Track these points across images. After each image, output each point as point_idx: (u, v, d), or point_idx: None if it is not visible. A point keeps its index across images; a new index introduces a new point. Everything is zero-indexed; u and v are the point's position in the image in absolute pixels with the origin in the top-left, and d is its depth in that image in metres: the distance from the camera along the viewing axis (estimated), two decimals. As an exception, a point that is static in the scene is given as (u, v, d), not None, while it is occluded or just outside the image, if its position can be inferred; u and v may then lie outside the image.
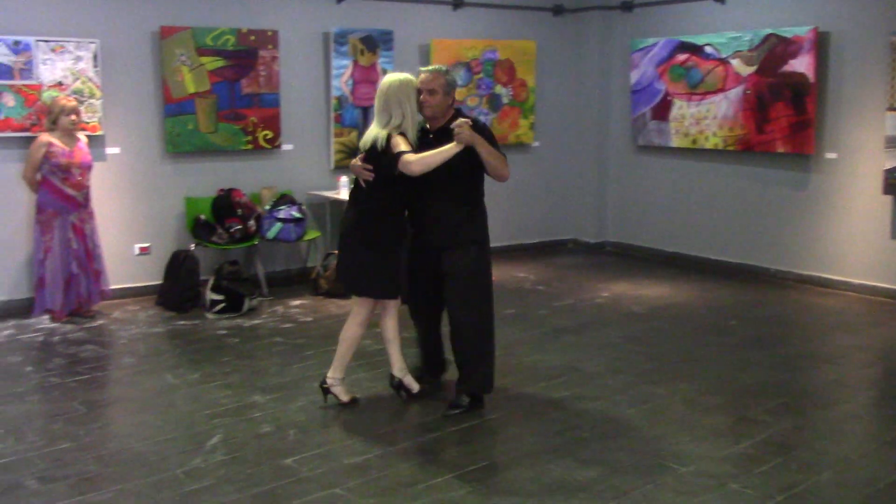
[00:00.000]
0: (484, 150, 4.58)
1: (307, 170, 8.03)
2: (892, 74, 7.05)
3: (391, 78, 4.68)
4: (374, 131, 4.64)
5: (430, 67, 4.81)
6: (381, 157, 4.59)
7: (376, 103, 4.67)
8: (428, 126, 4.77)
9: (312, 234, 7.75)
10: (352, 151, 8.12)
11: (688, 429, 4.58)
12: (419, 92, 4.67)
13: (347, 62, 8.03)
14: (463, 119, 4.61)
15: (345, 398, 4.87)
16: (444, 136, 4.62)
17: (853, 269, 7.59)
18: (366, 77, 8.14)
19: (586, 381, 5.34)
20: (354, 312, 4.89)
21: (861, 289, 7.52)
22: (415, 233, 4.83)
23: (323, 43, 8.01)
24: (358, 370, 5.47)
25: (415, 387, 4.97)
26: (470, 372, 4.81)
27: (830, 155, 7.64)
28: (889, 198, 7.23)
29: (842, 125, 7.54)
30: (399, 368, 4.97)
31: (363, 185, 4.72)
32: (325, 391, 4.89)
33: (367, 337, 6.18)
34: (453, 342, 4.84)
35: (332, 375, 4.88)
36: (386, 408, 4.88)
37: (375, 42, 8.17)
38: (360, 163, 4.69)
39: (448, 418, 4.70)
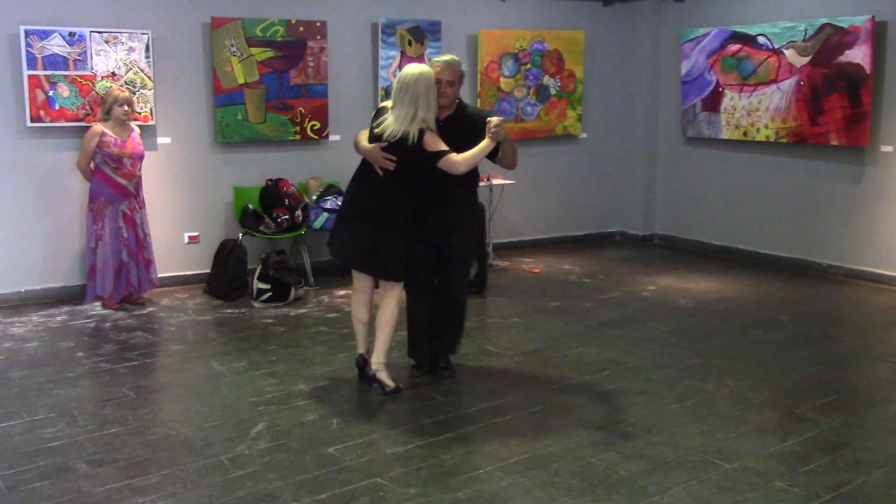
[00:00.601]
0: (508, 143, 4.88)
1: (354, 160, 7.99)
2: (953, 65, 6.86)
3: (415, 70, 4.70)
4: (402, 124, 4.65)
5: (445, 58, 4.92)
6: (412, 151, 4.65)
7: (399, 95, 4.68)
8: (437, 115, 4.83)
9: (358, 225, 7.78)
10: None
11: (733, 425, 4.52)
12: (438, 83, 4.74)
13: (395, 53, 8.05)
14: (497, 117, 4.76)
15: (391, 384, 4.91)
16: (452, 123, 4.85)
17: (908, 264, 7.42)
18: (413, 68, 8.14)
19: (631, 375, 5.29)
20: (390, 296, 4.93)
21: (916, 285, 7.35)
22: (419, 219, 4.89)
23: (371, 33, 8.03)
24: (401, 360, 5.49)
25: (390, 383, 4.94)
26: (456, 340, 5.29)
27: (886, 148, 7.46)
28: (947, 192, 7.05)
29: (899, 117, 7.36)
30: (383, 359, 4.96)
31: (379, 172, 4.75)
32: (371, 379, 4.92)
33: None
34: (447, 312, 5.15)
35: (378, 361, 4.92)
36: (428, 398, 4.89)
37: (423, 33, 8.16)
38: (381, 151, 4.72)
39: (446, 380, 5.13)
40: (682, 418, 4.63)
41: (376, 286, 5.04)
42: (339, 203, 7.39)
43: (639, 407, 4.78)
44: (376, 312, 4.98)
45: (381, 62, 7.99)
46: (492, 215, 8.20)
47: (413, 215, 4.84)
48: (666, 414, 4.69)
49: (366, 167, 4.86)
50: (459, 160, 4.67)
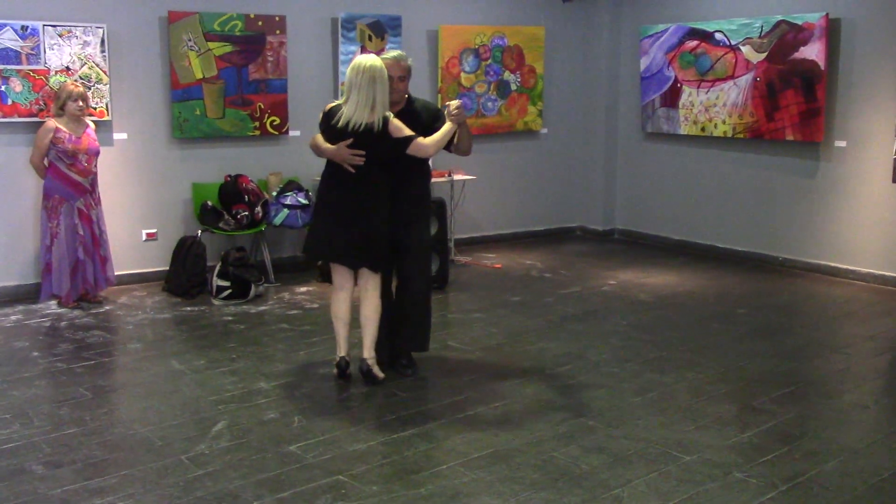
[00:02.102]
0: (465, 128, 5.00)
1: (315, 156, 7.98)
2: (904, 62, 6.99)
3: (373, 60, 4.70)
4: (363, 113, 4.64)
5: (393, 54, 4.95)
6: (379, 140, 4.66)
7: (354, 81, 4.65)
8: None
9: (319, 221, 7.74)
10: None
11: (693, 417, 4.57)
12: (390, 79, 4.75)
13: (355, 48, 8.00)
14: (457, 101, 4.91)
15: (382, 375, 4.98)
16: (403, 118, 4.84)
17: (862, 257, 7.55)
18: (373, 63, 8.10)
19: (592, 368, 5.33)
20: (373, 288, 4.96)
21: (869, 277, 7.48)
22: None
23: (331, 28, 7.98)
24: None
25: (381, 374, 5.01)
26: (415, 333, 5.20)
27: (840, 143, 7.59)
28: (899, 186, 7.19)
29: (852, 113, 7.49)
30: (373, 352, 5.00)
31: (350, 169, 4.74)
32: (367, 375, 4.96)
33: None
34: (408, 308, 5.14)
35: (371, 354, 4.96)
36: (390, 395, 4.88)
37: (383, 28, 8.13)
38: (347, 149, 4.70)
39: (407, 377, 5.12)
40: (643, 411, 4.67)
41: (355, 283, 5.03)
42: (301, 199, 7.38)
43: (600, 401, 4.82)
44: (376, 310, 5.00)
45: (342, 57, 7.95)
46: (453, 211, 8.20)
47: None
48: (627, 407, 4.74)
49: (335, 168, 4.84)
50: (429, 143, 4.77)
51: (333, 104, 4.88)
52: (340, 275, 5.01)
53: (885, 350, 5.92)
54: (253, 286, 6.87)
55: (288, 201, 7.36)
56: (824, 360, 5.59)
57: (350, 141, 4.69)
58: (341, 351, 5.05)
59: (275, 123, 7.72)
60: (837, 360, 5.58)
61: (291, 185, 7.51)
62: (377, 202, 4.81)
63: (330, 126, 4.78)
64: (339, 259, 4.98)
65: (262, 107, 7.63)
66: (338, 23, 7.92)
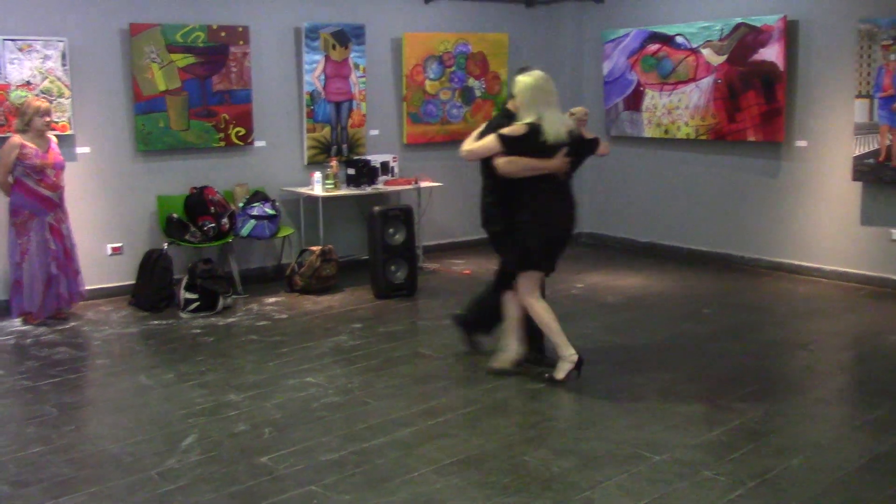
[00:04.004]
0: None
1: (280, 166, 8.01)
2: (860, 62, 7.11)
3: (538, 74, 5.04)
4: (561, 126, 4.97)
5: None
6: (581, 144, 5.12)
7: (546, 100, 4.96)
8: None
9: (286, 231, 7.72)
10: (325, 146, 8.11)
11: (662, 418, 4.61)
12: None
13: (319, 57, 8.00)
14: (581, 108, 5.64)
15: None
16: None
17: (824, 255, 7.67)
18: (338, 72, 8.12)
19: (562, 372, 5.35)
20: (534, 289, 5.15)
21: (832, 275, 7.60)
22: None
23: (294, 38, 7.97)
24: (333, 366, 5.48)
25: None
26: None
27: (800, 143, 7.71)
28: (858, 184, 7.31)
29: (811, 113, 7.61)
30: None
31: (562, 177, 5.07)
32: (579, 365, 5.08)
33: (344, 332, 6.22)
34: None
35: (569, 351, 5.06)
36: (361, 403, 4.87)
37: (347, 36, 8.14)
38: (564, 158, 4.99)
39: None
40: (613, 412, 4.71)
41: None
42: (268, 210, 7.34)
43: (570, 403, 4.85)
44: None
45: (306, 67, 7.94)
46: (420, 218, 8.22)
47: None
48: (597, 409, 4.77)
49: (538, 182, 4.97)
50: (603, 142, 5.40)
51: (521, 125, 4.93)
52: (535, 281, 5.13)
53: (848, 346, 6.03)
54: (221, 298, 6.83)
55: (255, 212, 7.34)
56: (790, 358, 5.67)
57: (565, 150, 4.95)
58: (569, 347, 5.10)
59: (240, 134, 7.69)
60: (803, 357, 5.66)
61: (258, 196, 7.48)
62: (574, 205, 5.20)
63: (538, 143, 4.89)
64: (552, 267, 5.21)
65: (227, 118, 7.60)
66: (301, 32, 7.92)
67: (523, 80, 4.99)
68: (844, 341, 6.09)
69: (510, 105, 5.23)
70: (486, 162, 5.11)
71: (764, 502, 3.68)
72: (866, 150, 7.12)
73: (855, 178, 7.26)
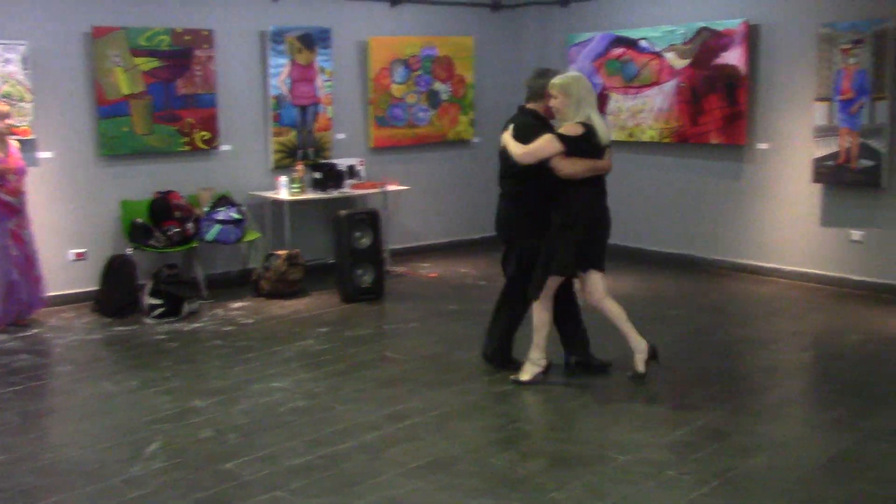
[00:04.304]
0: None
1: (247, 170, 7.97)
2: (820, 66, 7.23)
3: (577, 74, 5.15)
4: (603, 125, 5.00)
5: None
6: (610, 145, 5.11)
7: (591, 101, 4.97)
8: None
9: (252, 236, 7.68)
10: (291, 150, 8.08)
11: (628, 418, 4.66)
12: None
13: (285, 61, 7.98)
14: None
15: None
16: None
17: (785, 256, 7.78)
18: (304, 76, 8.10)
19: (528, 374, 5.38)
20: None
21: (793, 275, 7.71)
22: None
23: (259, 42, 7.94)
24: (300, 371, 5.47)
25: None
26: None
27: (762, 145, 7.82)
28: (818, 186, 7.42)
29: (772, 116, 7.72)
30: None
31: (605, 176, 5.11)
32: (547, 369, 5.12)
33: (311, 336, 6.21)
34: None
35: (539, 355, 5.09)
36: (327, 408, 4.87)
37: (313, 40, 8.12)
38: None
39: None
40: (579, 414, 4.75)
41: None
42: (233, 214, 7.30)
43: (538, 405, 4.88)
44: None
45: (272, 70, 7.91)
46: (386, 221, 8.22)
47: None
48: (564, 411, 4.81)
49: (587, 183, 4.97)
50: None
51: (578, 126, 4.90)
52: (556, 284, 5.10)
53: (810, 345, 6.12)
54: (186, 303, 6.78)
55: (220, 216, 7.29)
56: (753, 357, 5.74)
57: (610, 151, 5.05)
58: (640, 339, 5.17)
59: (205, 138, 7.65)
60: (765, 356, 5.74)
61: (223, 201, 7.43)
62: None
63: (594, 144, 4.92)
64: (601, 266, 5.23)
65: (192, 122, 7.55)
66: (266, 36, 7.89)
67: (572, 79, 4.95)
68: (805, 341, 6.19)
69: (533, 105, 5.14)
70: (515, 169, 5.04)
71: (726, 501, 3.73)
72: (826, 152, 7.24)
73: (815, 180, 7.38)
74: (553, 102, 4.98)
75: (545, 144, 4.88)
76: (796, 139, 7.55)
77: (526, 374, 5.09)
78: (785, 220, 7.76)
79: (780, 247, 7.81)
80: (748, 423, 4.62)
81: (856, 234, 7.31)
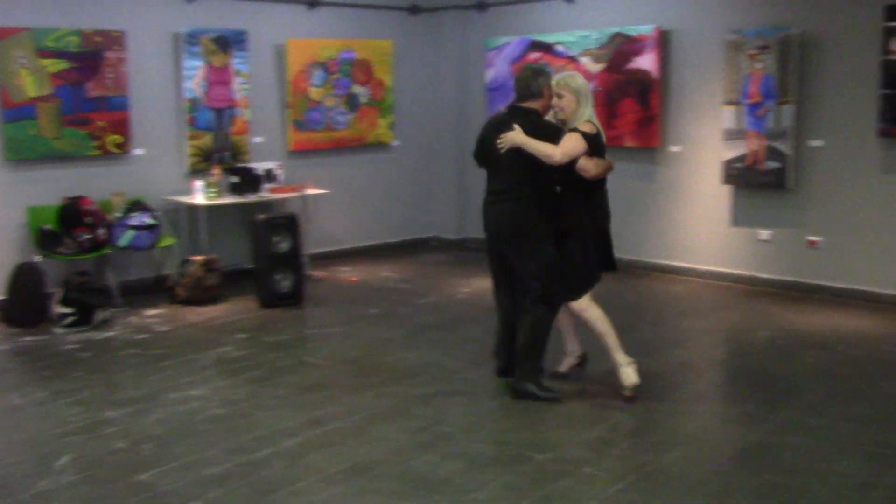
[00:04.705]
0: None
1: (161, 175, 7.79)
2: (728, 70, 7.45)
3: (577, 75, 5.00)
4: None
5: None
6: None
7: (590, 99, 4.89)
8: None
9: (167, 241, 7.52)
10: (207, 154, 7.94)
11: (545, 418, 4.71)
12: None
13: (200, 63, 7.84)
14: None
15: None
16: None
17: (697, 256, 7.99)
18: (219, 78, 7.97)
19: (449, 376, 5.41)
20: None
21: (705, 274, 7.92)
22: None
23: (173, 43, 7.79)
24: (217, 378, 5.38)
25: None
26: (518, 363, 5.09)
27: (675, 148, 8.02)
28: (728, 187, 7.65)
29: (684, 119, 7.92)
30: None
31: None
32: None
33: (228, 343, 6.11)
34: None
35: (627, 359, 4.99)
36: (246, 415, 4.80)
37: (229, 42, 8.00)
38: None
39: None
40: (498, 415, 4.79)
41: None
42: (147, 220, 7.13)
43: (457, 407, 4.90)
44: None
45: (186, 72, 7.77)
46: (306, 225, 8.14)
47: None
48: (483, 412, 4.84)
49: (590, 186, 4.93)
50: None
51: (590, 125, 4.82)
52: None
53: (722, 342, 6.30)
54: (98, 311, 6.60)
55: (133, 222, 7.12)
56: (667, 355, 5.87)
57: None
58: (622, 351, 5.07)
59: (117, 142, 7.46)
60: (679, 354, 5.88)
61: (137, 206, 7.26)
62: None
63: (602, 142, 4.88)
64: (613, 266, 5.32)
65: (103, 125, 7.36)
66: (180, 38, 7.74)
67: (580, 78, 4.87)
68: (717, 338, 6.36)
69: (533, 105, 4.87)
70: (530, 169, 4.78)
71: (642, 495, 3.81)
72: (735, 154, 7.46)
73: (725, 182, 7.60)
74: (560, 101, 4.82)
75: (578, 143, 4.71)
76: (707, 142, 7.76)
77: (630, 377, 4.96)
78: (697, 220, 7.97)
79: (693, 247, 8.02)
80: (662, 419, 4.72)
81: (764, 234, 7.55)
